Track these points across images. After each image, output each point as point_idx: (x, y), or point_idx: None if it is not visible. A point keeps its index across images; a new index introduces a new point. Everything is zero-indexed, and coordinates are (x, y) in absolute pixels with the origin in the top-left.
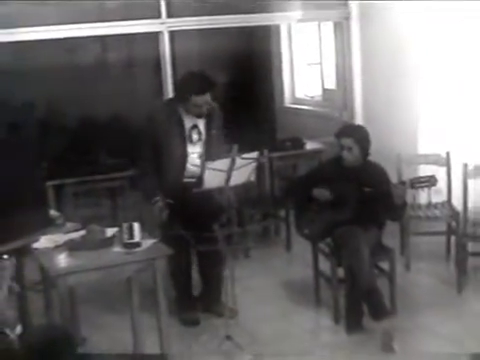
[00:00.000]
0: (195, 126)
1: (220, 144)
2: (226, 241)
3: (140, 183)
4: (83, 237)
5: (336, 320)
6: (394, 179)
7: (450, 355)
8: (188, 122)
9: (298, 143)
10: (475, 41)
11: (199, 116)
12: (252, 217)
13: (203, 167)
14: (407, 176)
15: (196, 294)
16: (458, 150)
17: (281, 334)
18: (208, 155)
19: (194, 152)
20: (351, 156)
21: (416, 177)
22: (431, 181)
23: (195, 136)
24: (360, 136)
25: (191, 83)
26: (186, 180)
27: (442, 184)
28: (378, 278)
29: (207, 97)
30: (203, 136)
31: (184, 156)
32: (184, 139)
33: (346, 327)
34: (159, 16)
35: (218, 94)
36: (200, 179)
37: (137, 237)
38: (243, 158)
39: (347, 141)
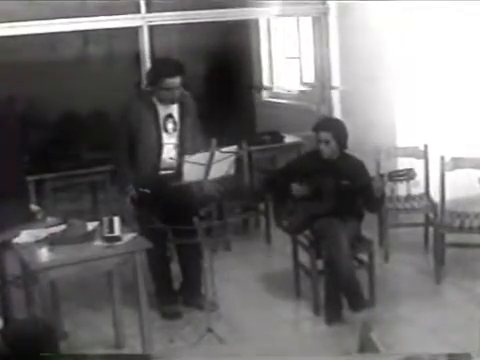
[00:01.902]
0: (170, 115)
1: (196, 134)
2: (206, 234)
3: (116, 173)
4: (64, 231)
5: (316, 311)
6: (373, 171)
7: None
8: (163, 111)
9: (277, 137)
10: (453, 34)
11: (172, 102)
12: (232, 210)
13: (180, 159)
14: (385, 168)
15: (176, 287)
16: (436, 143)
17: (262, 326)
18: (184, 146)
19: (170, 143)
20: (328, 149)
21: (395, 170)
22: (409, 174)
23: (170, 125)
24: (337, 130)
25: (161, 66)
26: (163, 172)
27: (420, 176)
28: (357, 269)
29: (177, 80)
30: (178, 126)
31: (159, 145)
32: (159, 128)
33: (326, 318)
34: (139, 11)
35: (197, 87)
36: (177, 171)
37: (117, 231)
38: (222, 152)
39: (324, 135)
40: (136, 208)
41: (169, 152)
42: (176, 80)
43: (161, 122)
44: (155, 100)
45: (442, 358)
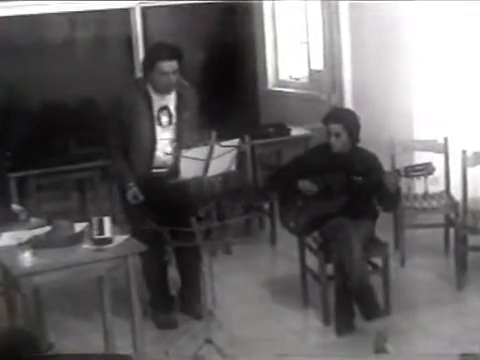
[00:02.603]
0: (165, 107)
1: (193, 129)
2: (205, 236)
3: (112, 169)
4: (49, 233)
5: (325, 321)
6: (387, 166)
7: (440, 355)
8: (157, 102)
9: (283, 129)
10: (476, 20)
11: (168, 90)
12: (233, 210)
13: (176, 156)
14: (401, 163)
15: (174, 293)
16: (456, 136)
17: (265, 337)
18: (180, 141)
19: (164, 138)
20: (339, 143)
21: (411, 165)
22: (427, 169)
23: (165, 118)
24: (349, 121)
25: (157, 50)
26: (157, 170)
27: (440, 172)
28: (370, 275)
29: (174, 64)
30: (174, 119)
31: (153, 140)
32: (152, 120)
33: (336, 328)
34: None
35: (195, 76)
36: (172, 169)
37: (108, 233)
38: (223, 146)
39: (335, 127)
40: (129, 208)
41: (164, 148)
42: (172, 63)
43: (155, 114)
44: (150, 89)
45: (455, 358)
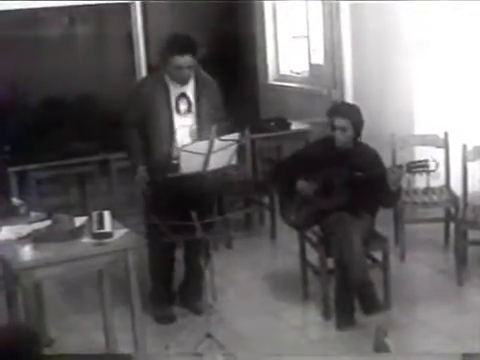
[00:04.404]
0: (183, 94)
1: (214, 120)
2: (205, 230)
3: (127, 152)
4: (49, 227)
5: (326, 315)
6: (388, 161)
7: (442, 355)
8: (175, 90)
9: (283, 123)
10: (474, 16)
11: (183, 82)
12: (233, 204)
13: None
14: (402, 158)
15: (176, 288)
16: (457, 130)
17: (266, 331)
18: (200, 132)
19: (184, 125)
20: (344, 137)
21: (414, 161)
22: (429, 166)
23: (183, 106)
24: (355, 116)
25: (171, 43)
26: (176, 161)
27: (440, 167)
28: (371, 269)
29: (188, 58)
30: (193, 107)
31: (171, 127)
32: (170, 108)
33: (336, 323)
34: None
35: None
36: None
37: (108, 227)
38: (223, 140)
39: (341, 121)
40: (149, 198)
41: (183, 137)
42: (186, 58)
43: (173, 102)
44: (167, 78)
45: (457, 358)
